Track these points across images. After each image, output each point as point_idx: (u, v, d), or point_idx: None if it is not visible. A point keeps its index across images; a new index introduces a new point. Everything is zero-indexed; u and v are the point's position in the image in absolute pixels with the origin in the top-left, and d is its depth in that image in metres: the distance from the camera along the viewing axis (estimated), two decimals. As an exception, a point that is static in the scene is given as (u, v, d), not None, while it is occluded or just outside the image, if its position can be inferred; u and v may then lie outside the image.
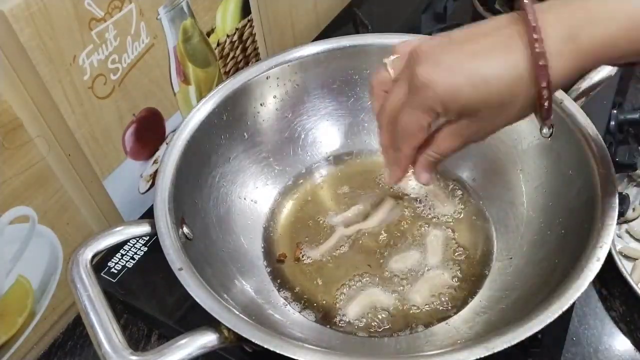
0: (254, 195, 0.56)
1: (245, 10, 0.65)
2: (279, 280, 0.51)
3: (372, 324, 0.47)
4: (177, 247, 0.40)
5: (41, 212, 0.49)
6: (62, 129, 0.48)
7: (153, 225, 0.42)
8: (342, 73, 0.58)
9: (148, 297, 0.50)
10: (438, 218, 0.54)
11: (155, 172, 0.53)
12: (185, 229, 0.44)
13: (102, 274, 0.51)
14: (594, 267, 0.37)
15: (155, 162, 0.60)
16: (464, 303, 0.48)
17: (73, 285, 0.38)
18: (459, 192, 0.56)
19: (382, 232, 0.53)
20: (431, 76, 0.34)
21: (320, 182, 0.59)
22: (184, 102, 0.61)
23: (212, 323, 0.36)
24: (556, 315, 0.34)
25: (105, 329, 0.35)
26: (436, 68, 0.34)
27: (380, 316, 0.47)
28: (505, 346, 0.33)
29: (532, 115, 0.36)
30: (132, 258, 0.52)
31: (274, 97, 0.57)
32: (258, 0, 0.67)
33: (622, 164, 0.58)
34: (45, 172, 0.48)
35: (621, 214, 0.56)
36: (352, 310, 0.48)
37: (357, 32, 0.77)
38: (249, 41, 0.68)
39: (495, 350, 0.33)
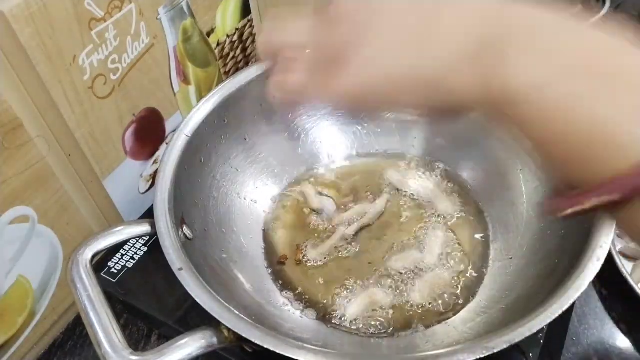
0: (254, 195, 0.56)
1: (245, 10, 0.65)
2: (280, 282, 0.51)
3: (372, 323, 0.47)
4: (177, 247, 0.40)
5: (41, 212, 0.48)
6: (62, 129, 0.48)
7: (153, 225, 0.42)
8: (342, 73, 0.58)
9: (148, 297, 0.50)
10: (438, 218, 0.54)
11: (155, 172, 0.53)
12: (185, 229, 0.44)
13: (102, 274, 0.51)
14: (594, 267, 0.37)
15: (155, 162, 0.59)
16: (464, 303, 0.48)
17: (73, 285, 0.38)
18: (459, 192, 0.56)
19: (383, 232, 0.54)
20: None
21: (320, 182, 0.59)
22: (184, 102, 0.61)
23: (212, 323, 0.36)
24: (556, 315, 0.34)
25: (105, 328, 0.35)
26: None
27: (380, 316, 0.47)
28: (505, 346, 0.33)
29: None
30: (132, 258, 0.52)
31: (274, 97, 0.56)
32: (258, 0, 0.67)
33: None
34: (45, 172, 0.48)
35: (621, 213, 0.56)
36: (352, 310, 0.48)
37: (357, 32, 0.77)
38: (249, 41, 0.68)
39: (495, 350, 0.33)
